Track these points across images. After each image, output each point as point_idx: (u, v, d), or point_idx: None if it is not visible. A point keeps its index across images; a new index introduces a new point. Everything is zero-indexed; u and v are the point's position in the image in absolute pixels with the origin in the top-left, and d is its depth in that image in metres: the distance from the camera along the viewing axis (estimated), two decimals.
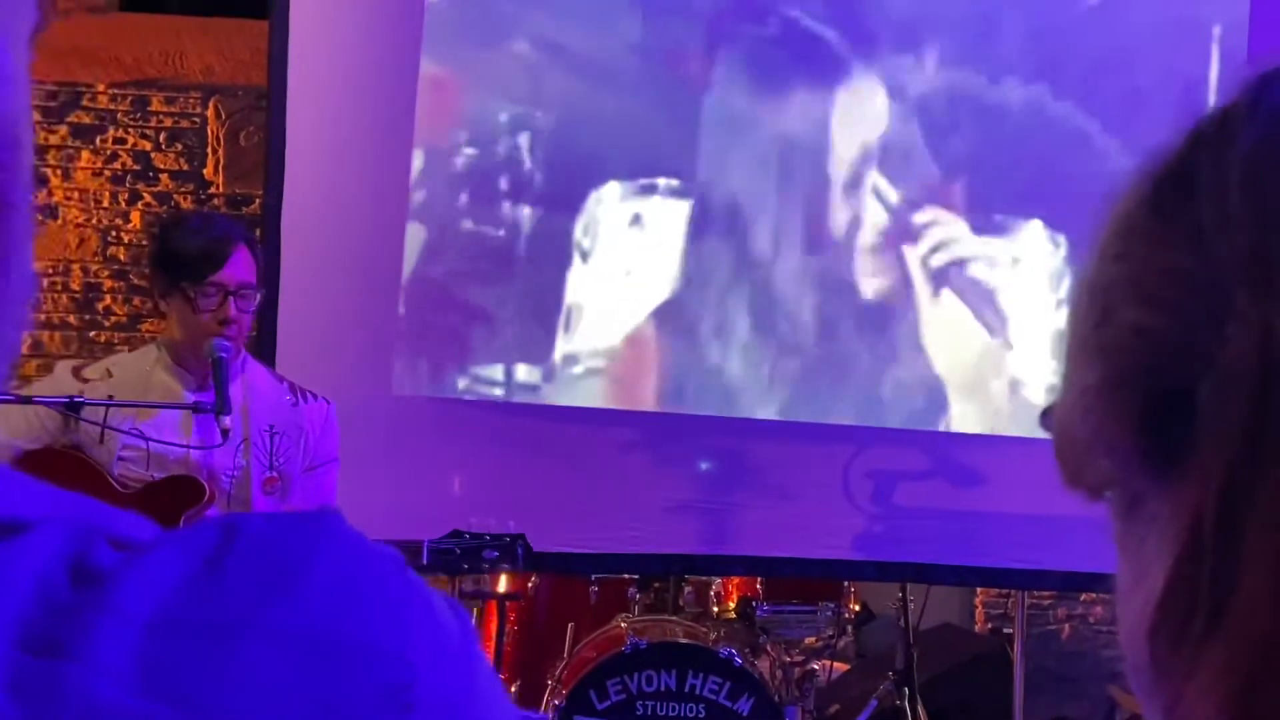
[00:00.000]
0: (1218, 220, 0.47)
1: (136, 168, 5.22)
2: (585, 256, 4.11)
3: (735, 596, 4.25)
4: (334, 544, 0.45)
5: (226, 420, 2.90)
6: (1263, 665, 0.45)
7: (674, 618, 4.18)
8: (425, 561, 3.05)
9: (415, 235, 4.07)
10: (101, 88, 5.17)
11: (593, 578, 4.25)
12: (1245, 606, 0.45)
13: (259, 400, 3.10)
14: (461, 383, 4.07)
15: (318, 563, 0.44)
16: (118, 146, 5.20)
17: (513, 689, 4.23)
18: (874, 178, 4.12)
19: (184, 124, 5.26)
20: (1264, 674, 0.45)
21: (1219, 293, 0.47)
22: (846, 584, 4.24)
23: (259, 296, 3.07)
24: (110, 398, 2.91)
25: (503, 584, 4.33)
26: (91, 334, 5.18)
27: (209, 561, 0.43)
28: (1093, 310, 0.51)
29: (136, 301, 5.15)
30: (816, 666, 4.28)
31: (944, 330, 4.12)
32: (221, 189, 5.26)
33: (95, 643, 0.41)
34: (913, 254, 4.12)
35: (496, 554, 3.12)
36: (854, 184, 4.12)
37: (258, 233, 3.87)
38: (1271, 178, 0.47)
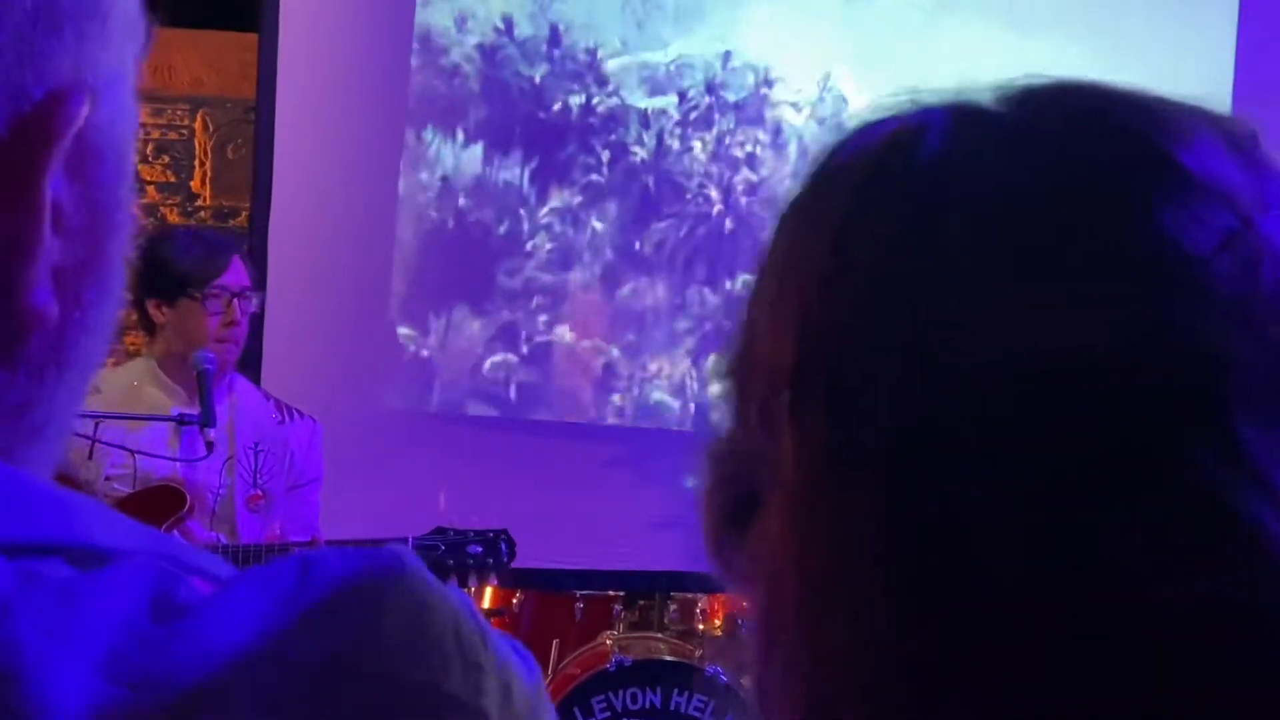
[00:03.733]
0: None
1: None
2: (576, 269, 4.10)
3: (722, 614, 4.24)
4: (407, 586, 0.45)
5: (211, 433, 2.89)
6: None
7: (659, 635, 4.16)
8: None
9: (402, 249, 4.06)
10: None
11: (577, 594, 4.24)
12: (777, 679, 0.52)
13: (245, 417, 3.10)
14: (448, 398, 4.06)
15: (391, 605, 0.44)
16: None
17: None
18: None
19: (171, 136, 5.24)
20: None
21: (771, 406, 0.51)
22: None
23: (256, 302, 3.10)
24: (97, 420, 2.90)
25: (487, 600, 4.31)
26: None
27: (286, 600, 0.43)
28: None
29: (123, 313, 5.13)
30: None
31: None
32: (208, 201, 5.25)
33: (179, 678, 0.41)
34: None
35: (481, 549, 3.13)
36: None
37: (244, 245, 3.86)
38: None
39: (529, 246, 4.07)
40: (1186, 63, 4.09)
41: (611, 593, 4.24)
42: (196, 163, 5.25)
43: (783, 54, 4.05)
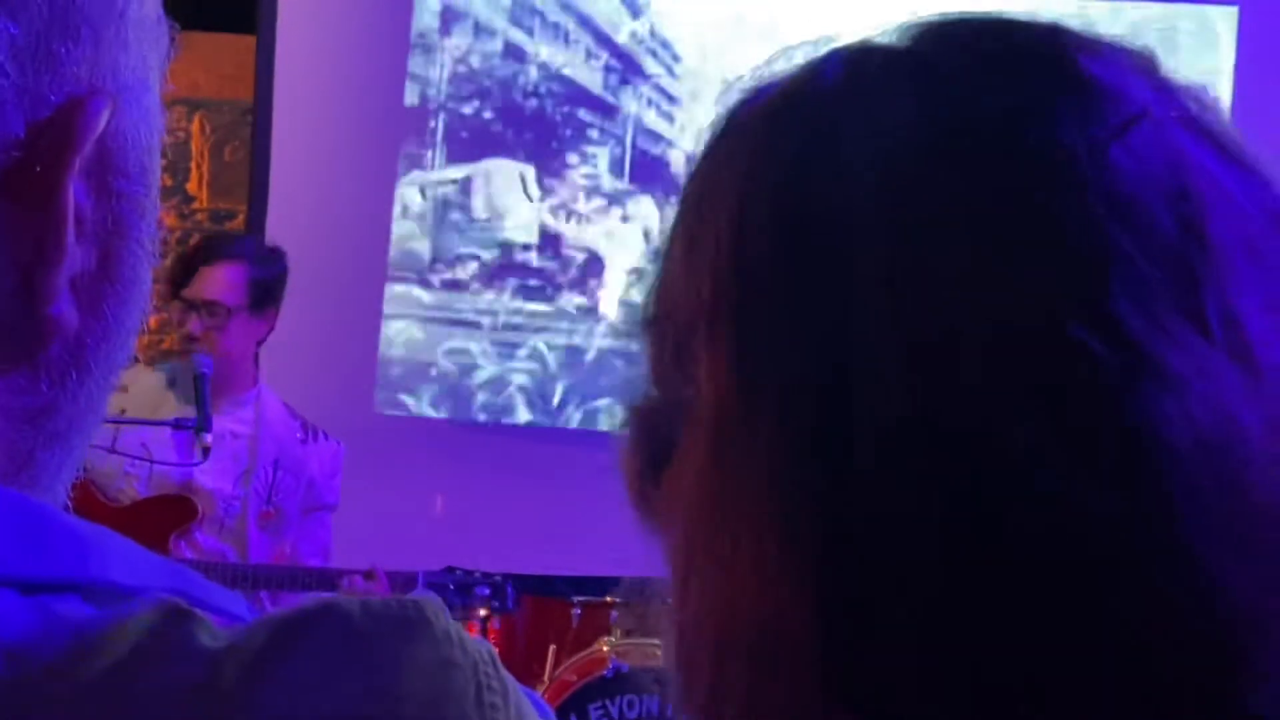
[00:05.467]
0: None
1: None
2: (569, 273, 4.10)
3: None
4: (430, 639, 0.44)
5: (208, 438, 2.88)
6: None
7: (656, 641, 4.14)
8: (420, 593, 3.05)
9: (399, 252, 4.05)
10: None
11: (574, 600, 4.23)
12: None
13: (269, 432, 3.09)
14: (444, 403, 4.05)
15: (413, 659, 0.43)
16: None
17: None
18: None
19: (168, 138, 5.23)
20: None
21: (686, 346, 0.53)
22: None
23: (234, 316, 3.02)
24: (123, 412, 2.90)
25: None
26: None
27: (307, 650, 0.42)
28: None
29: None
30: None
31: None
32: (205, 204, 5.24)
33: None
34: None
35: (488, 591, 3.17)
36: None
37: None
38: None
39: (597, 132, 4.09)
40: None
41: (608, 598, 4.23)
42: (193, 165, 5.23)
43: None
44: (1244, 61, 4.13)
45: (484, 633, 4.29)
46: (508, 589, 3.17)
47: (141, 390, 3.03)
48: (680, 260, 0.54)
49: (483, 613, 4.23)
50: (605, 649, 3.97)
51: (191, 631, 0.42)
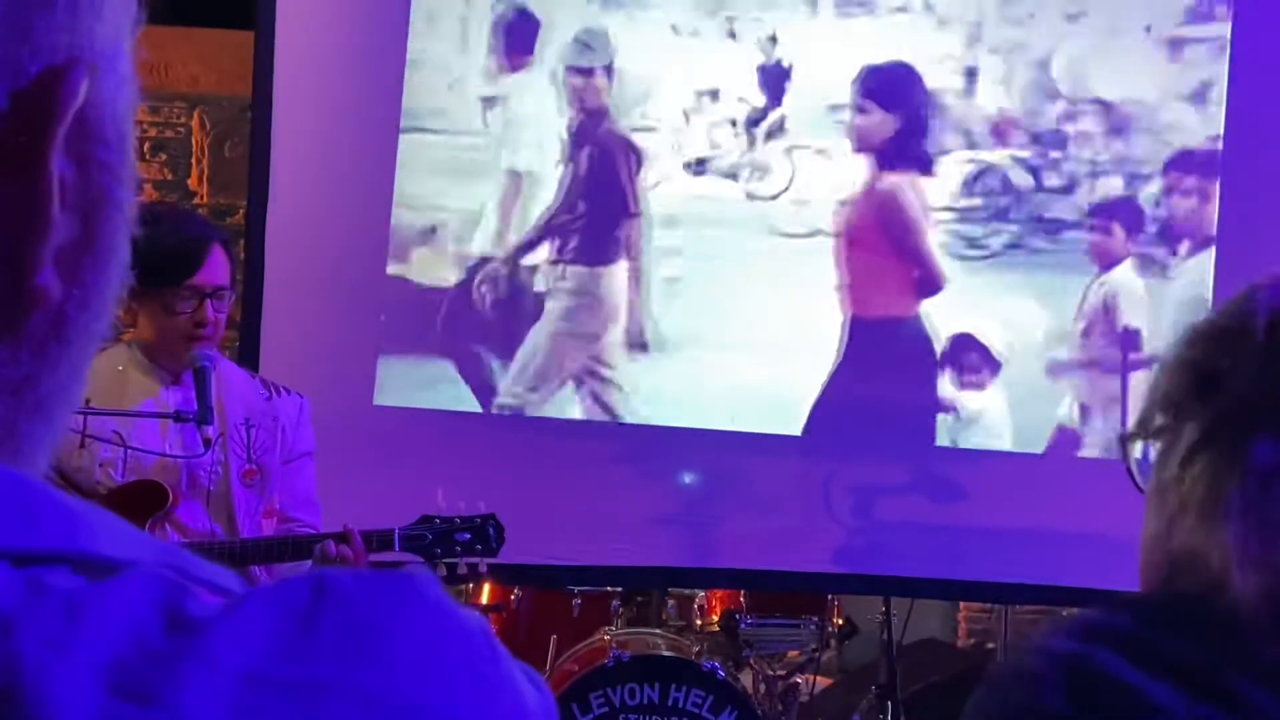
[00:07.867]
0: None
1: None
2: (569, 270, 4.11)
3: (719, 610, 4.24)
4: (423, 609, 0.44)
5: (210, 430, 2.87)
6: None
7: (657, 631, 4.17)
8: (398, 549, 3.01)
9: (398, 246, 4.07)
10: None
11: (575, 590, 4.24)
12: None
13: (232, 395, 3.05)
14: (444, 394, 4.07)
15: (406, 628, 0.43)
16: None
17: None
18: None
19: (168, 134, 5.25)
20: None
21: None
22: (830, 598, 4.23)
23: (233, 297, 3.02)
24: (88, 402, 2.87)
25: (485, 596, 4.32)
26: None
27: (300, 618, 0.43)
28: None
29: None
30: (800, 680, 4.27)
31: (924, 345, 4.13)
32: (205, 199, 5.25)
33: (187, 693, 0.40)
34: (906, 275, 4.13)
35: (469, 535, 3.09)
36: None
37: (241, 243, 3.86)
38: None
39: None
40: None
41: (609, 589, 4.24)
42: (193, 160, 5.25)
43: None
44: (1238, 71, 4.13)
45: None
46: (489, 529, 3.10)
47: (99, 376, 2.99)
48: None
49: (484, 601, 4.25)
50: (606, 638, 3.99)
51: (185, 603, 0.42)
